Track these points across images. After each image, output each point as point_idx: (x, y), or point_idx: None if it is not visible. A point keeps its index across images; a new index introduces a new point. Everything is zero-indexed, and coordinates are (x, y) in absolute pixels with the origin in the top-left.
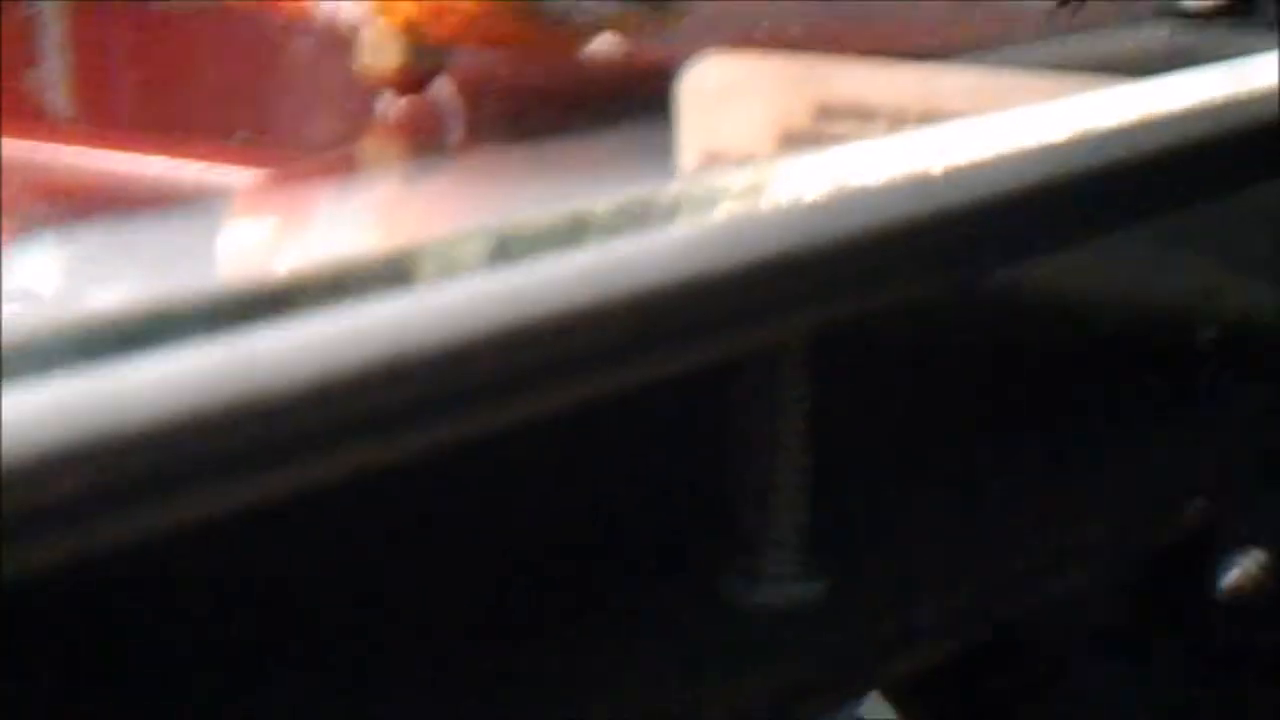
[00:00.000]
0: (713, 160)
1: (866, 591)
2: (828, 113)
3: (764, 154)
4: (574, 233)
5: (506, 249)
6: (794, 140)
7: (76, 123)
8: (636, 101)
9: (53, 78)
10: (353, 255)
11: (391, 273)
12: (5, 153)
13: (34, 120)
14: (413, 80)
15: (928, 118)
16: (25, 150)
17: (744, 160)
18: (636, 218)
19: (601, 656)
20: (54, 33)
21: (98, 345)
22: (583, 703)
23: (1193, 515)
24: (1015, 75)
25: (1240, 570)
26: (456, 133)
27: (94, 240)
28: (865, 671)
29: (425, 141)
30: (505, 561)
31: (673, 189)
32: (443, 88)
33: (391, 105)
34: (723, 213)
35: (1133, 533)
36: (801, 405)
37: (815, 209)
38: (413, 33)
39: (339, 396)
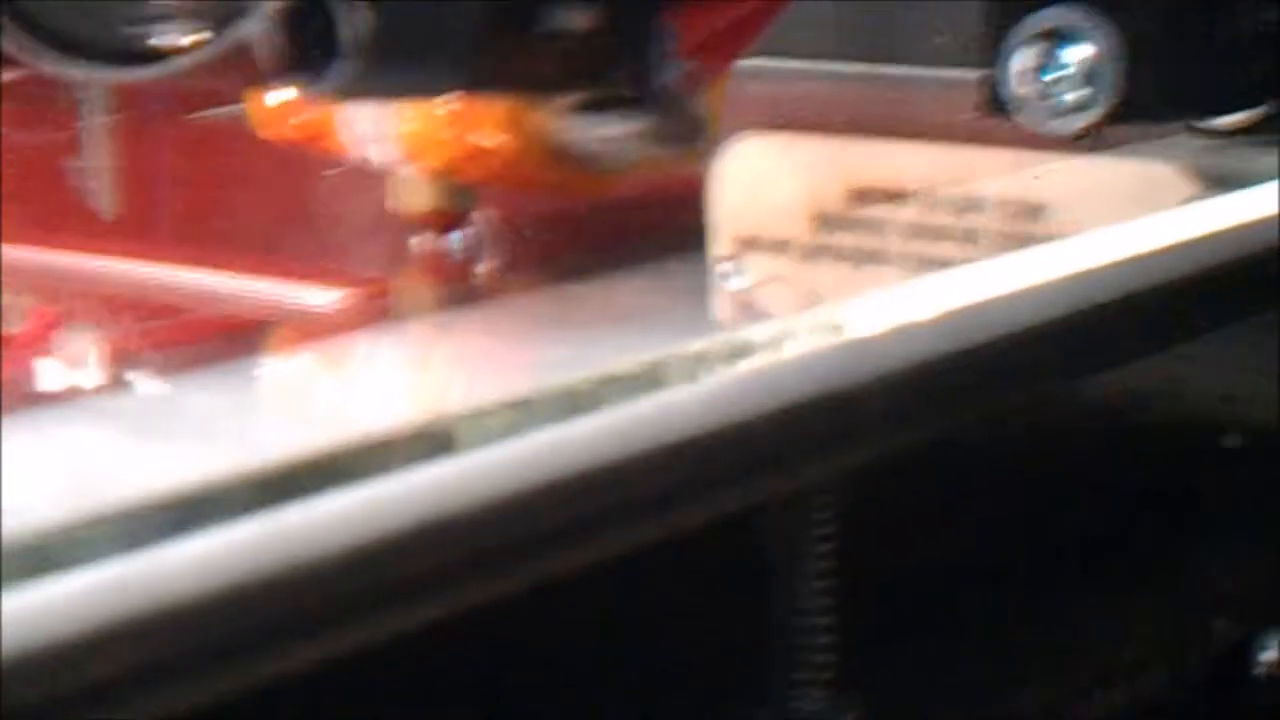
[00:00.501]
0: (747, 246)
1: None
2: (862, 196)
3: (795, 240)
4: (601, 392)
5: (534, 412)
6: (827, 224)
7: (106, 236)
8: (674, 216)
9: (91, 191)
10: (373, 428)
11: (418, 442)
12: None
13: (66, 232)
14: (447, 219)
15: (960, 203)
16: (51, 260)
17: (775, 246)
18: (661, 374)
19: None
20: (93, 147)
21: (123, 535)
22: None
23: (1226, 627)
24: (1046, 160)
25: (1275, 650)
26: (492, 271)
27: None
28: None
29: (459, 282)
30: (543, 703)
31: (695, 345)
32: (479, 224)
33: (426, 243)
34: (743, 366)
35: (1165, 655)
36: (829, 540)
37: (833, 357)
38: (443, 176)
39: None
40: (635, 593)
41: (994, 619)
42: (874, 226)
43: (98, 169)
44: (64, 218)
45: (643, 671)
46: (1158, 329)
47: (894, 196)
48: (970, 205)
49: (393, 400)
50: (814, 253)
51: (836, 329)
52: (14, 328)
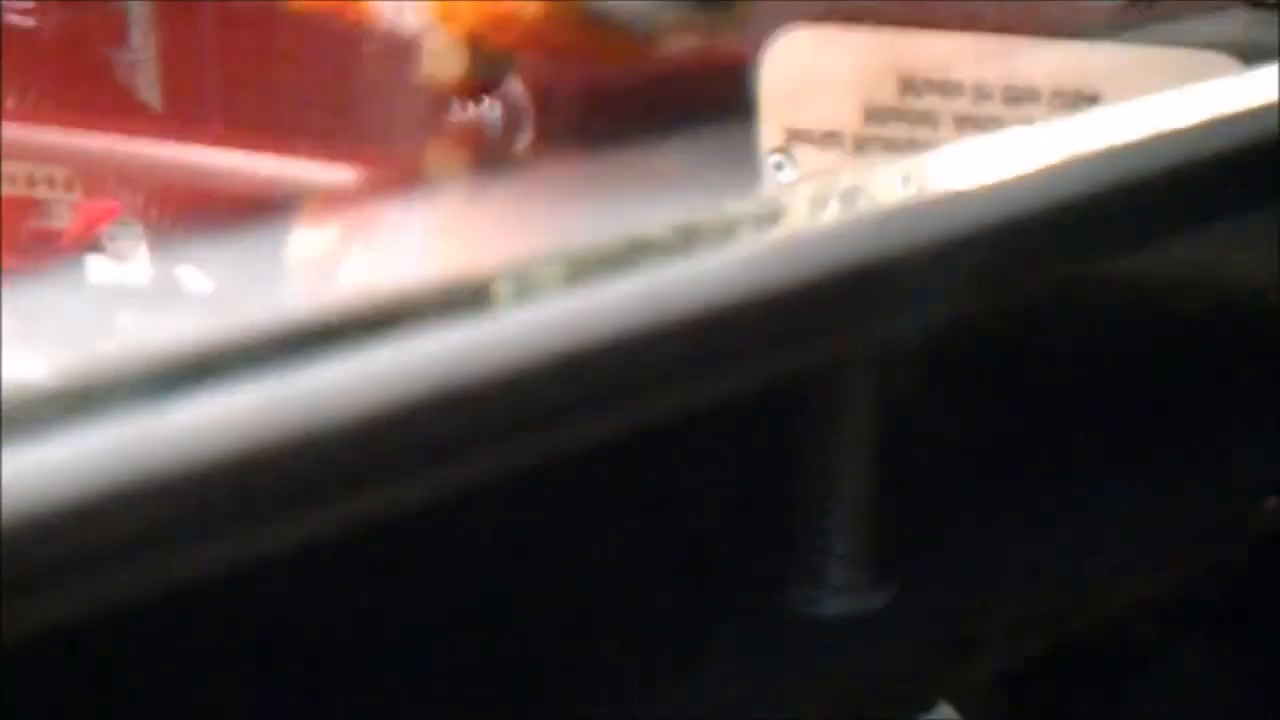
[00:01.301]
0: (794, 138)
1: (933, 600)
2: (913, 87)
3: (845, 132)
4: (636, 253)
5: (571, 272)
6: (878, 116)
7: (144, 118)
8: (713, 91)
9: (128, 73)
10: (411, 283)
11: (452, 300)
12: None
13: (102, 114)
14: (478, 86)
15: (1012, 93)
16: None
17: (825, 139)
18: (698, 236)
19: (667, 670)
20: (133, 29)
21: (149, 385)
22: (646, 716)
23: (1275, 506)
24: (1099, 50)
25: None
26: (525, 139)
27: (159, 256)
28: (933, 680)
29: (491, 150)
30: (574, 576)
31: (736, 206)
32: (512, 92)
33: (457, 112)
34: (784, 227)
35: (1208, 533)
36: (867, 414)
37: (876, 222)
38: (474, 41)
39: (401, 426)
40: (669, 466)
41: (1030, 500)
42: (926, 118)
43: (137, 51)
44: (101, 100)
45: (675, 545)
46: (1199, 204)
47: (945, 88)
48: (1023, 96)
49: (415, 265)
50: (865, 144)
51: (875, 196)
52: (63, 222)
